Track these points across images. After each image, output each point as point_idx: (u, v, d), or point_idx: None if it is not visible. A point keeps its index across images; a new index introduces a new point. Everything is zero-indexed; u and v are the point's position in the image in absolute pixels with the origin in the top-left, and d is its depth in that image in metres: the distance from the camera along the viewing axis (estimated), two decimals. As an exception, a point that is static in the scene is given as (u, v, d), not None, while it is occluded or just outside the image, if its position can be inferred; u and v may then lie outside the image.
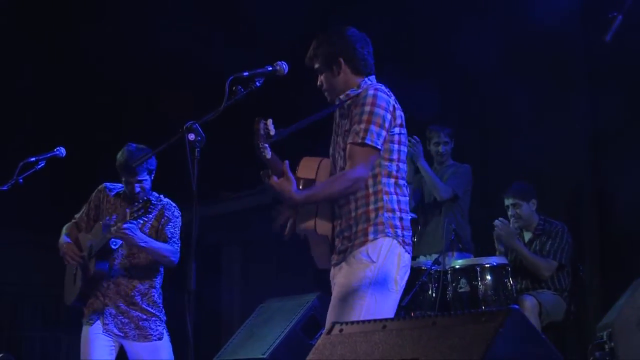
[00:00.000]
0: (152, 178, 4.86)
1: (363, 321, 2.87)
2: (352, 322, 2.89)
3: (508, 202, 5.93)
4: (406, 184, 3.60)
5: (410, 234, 3.56)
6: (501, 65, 6.71)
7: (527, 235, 5.95)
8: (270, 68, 3.52)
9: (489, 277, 5.40)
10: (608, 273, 6.52)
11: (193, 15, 8.29)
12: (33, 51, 8.78)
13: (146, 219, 4.80)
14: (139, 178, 4.78)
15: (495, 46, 6.70)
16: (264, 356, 5.30)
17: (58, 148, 4.93)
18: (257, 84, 3.48)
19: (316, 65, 3.68)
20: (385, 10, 7.43)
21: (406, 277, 3.52)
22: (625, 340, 4.40)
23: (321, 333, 3.35)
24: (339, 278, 3.50)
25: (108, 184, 5.04)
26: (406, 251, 3.50)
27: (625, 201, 6.26)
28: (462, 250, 5.98)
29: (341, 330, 2.86)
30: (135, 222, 4.63)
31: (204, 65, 7.73)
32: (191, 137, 3.35)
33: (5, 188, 4.69)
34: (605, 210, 6.69)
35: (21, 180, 4.72)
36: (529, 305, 5.45)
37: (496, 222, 5.78)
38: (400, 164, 3.55)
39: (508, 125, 6.93)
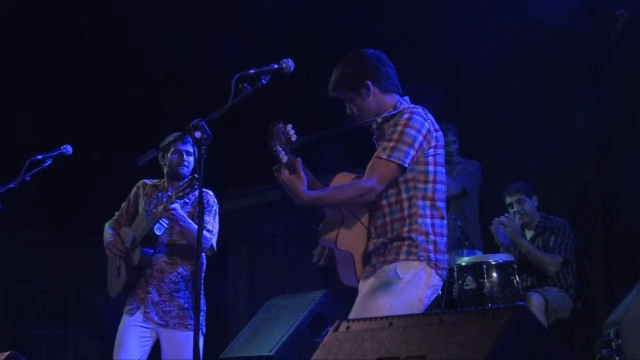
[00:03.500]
0: (193, 162, 4.89)
1: (370, 318, 2.87)
2: (359, 320, 2.90)
3: (512, 199, 5.95)
4: (444, 205, 3.56)
5: (445, 257, 3.53)
6: (506, 64, 6.69)
7: (529, 234, 5.96)
8: (277, 66, 3.51)
9: (495, 275, 5.39)
10: (614, 270, 6.50)
11: (194, 15, 8.29)
12: (34, 50, 8.79)
13: (187, 201, 4.82)
14: (189, 149, 4.83)
15: (501, 44, 6.68)
16: (271, 353, 5.31)
17: (65, 146, 4.93)
18: (263, 81, 3.46)
19: (342, 95, 3.65)
20: (387, 10, 7.41)
21: (433, 297, 3.49)
22: (632, 337, 4.39)
23: (328, 330, 3.35)
24: (364, 287, 3.51)
25: (146, 179, 5.10)
26: (437, 274, 3.47)
27: (631, 199, 6.24)
28: (469, 247, 5.98)
29: (348, 328, 2.86)
30: (180, 201, 4.66)
31: (205, 65, 7.74)
32: (197, 134, 3.34)
33: (12, 185, 4.69)
34: (611, 208, 6.67)
35: (28, 178, 4.73)
36: (535, 302, 5.45)
37: (502, 218, 5.79)
38: (437, 185, 3.52)
39: (514, 124, 6.91)
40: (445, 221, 3.56)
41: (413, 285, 3.41)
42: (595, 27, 6.66)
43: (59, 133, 6.16)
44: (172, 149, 4.89)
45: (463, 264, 5.51)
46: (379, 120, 3.61)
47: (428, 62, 7.18)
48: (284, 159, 3.33)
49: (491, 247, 6.11)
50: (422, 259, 3.43)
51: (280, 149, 3.32)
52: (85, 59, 8.79)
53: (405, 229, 3.45)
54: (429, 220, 3.48)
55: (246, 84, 3.42)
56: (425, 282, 3.43)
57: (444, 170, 3.58)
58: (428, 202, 3.49)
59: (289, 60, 3.54)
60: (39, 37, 8.74)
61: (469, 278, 5.41)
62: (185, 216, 4.75)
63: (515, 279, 5.43)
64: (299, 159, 3.38)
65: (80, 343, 11.16)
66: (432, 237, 3.47)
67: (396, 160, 3.42)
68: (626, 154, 6.28)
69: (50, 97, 9.11)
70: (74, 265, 10.78)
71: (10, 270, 10.53)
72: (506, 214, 5.85)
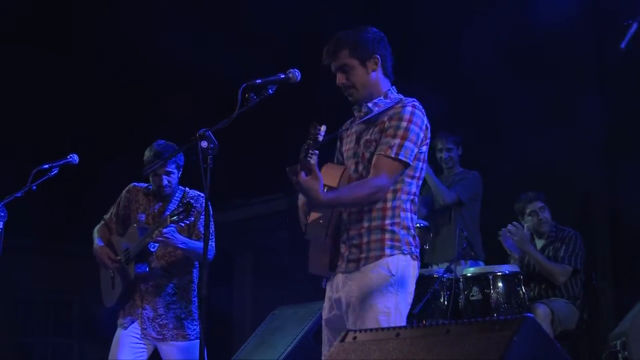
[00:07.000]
0: (180, 174, 4.87)
1: (377, 329, 2.86)
2: (366, 330, 2.89)
3: (534, 207, 5.89)
4: (418, 200, 3.60)
5: (419, 249, 3.58)
6: (511, 69, 6.69)
7: (540, 243, 5.93)
8: (283, 76, 3.50)
9: (501, 285, 5.38)
10: (620, 281, 6.48)
11: (195, 16, 8.31)
12: (35, 54, 8.81)
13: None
14: (167, 169, 4.80)
15: (504, 49, 6.68)
16: (276, 363, 5.30)
17: (71, 155, 4.93)
18: (270, 91, 3.46)
19: (343, 61, 3.55)
20: (389, 14, 7.40)
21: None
22: (638, 349, 4.38)
23: (333, 341, 3.32)
24: (354, 290, 3.46)
25: (136, 183, 5.05)
26: (417, 266, 3.53)
27: (638, 209, 6.22)
28: (474, 258, 5.97)
29: (355, 338, 2.85)
30: (174, 225, 4.62)
31: (206, 67, 7.75)
32: (204, 144, 3.33)
33: (19, 194, 4.70)
34: (618, 218, 6.65)
35: (35, 188, 4.73)
36: (541, 313, 5.43)
37: (509, 227, 5.76)
38: (420, 181, 3.55)
39: (518, 131, 6.90)
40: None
41: (406, 281, 3.44)
42: (600, 33, 6.66)
43: (62, 141, 6.18)
44: (150, 173, 4.83)
45: (469, 274, 5.50)
46: (371, 105, 3.55)
47: (429, 67, 7.17)
48: (314, 160, 3.26)
49: (493, 257, 6.09)
50: (406, 252, 3.46)
51: (316, 152, 3.26)
52: (84, 66, 8.81)
53: (388, 221, 3.45)
54: (409, 215, 3.50)
55: (252, 94, 3.41)
56: (413, 276, 3.48)
57: (426, 167, 3.59)
58: (410, 197, 3.52)
59: (296, 70, 3.53)
60: (38, 41, 8.76)
61: (475, 289, 5.40)
62: (183, 238, 4.71)
63: (522, 289, 5.42)
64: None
65: (85, 352, 11.15)
66: (412, 230, 3.51)
67: (403, 159, 3.41)
68: (632, 162, 6.26)
69: (49, 101, 9.12)
70: (79, 274, 10.77)
71: (15, 279, 10.53)
72: (514, 222, 5.81)
